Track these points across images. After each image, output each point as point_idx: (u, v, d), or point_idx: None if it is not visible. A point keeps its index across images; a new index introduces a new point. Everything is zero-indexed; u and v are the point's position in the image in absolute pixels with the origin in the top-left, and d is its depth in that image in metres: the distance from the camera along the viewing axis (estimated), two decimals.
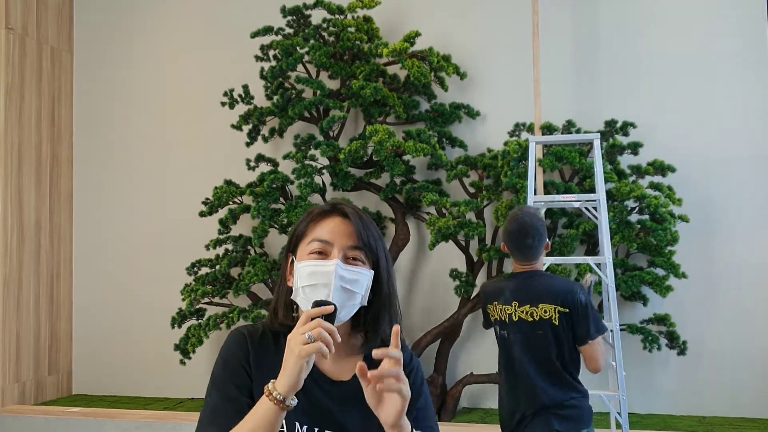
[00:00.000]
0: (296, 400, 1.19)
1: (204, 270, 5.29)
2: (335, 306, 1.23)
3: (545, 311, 2.63)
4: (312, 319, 1.20)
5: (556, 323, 2.61)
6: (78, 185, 6.24)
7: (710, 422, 4.47)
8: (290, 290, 1.37)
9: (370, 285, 1.34)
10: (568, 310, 2.60)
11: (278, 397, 1.17)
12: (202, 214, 5.23)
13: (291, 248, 1.39)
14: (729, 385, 4.62)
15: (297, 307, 1.38)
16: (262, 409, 1.19)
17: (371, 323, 1.38)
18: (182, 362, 5.01)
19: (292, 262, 1.37)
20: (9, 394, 5.44)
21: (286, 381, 1.18)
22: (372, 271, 1.35)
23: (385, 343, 1.37)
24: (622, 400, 3.55)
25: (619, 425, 3.67)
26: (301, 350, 1.16)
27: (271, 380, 1.20)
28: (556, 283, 2.70)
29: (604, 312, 3.97)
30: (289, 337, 1.20)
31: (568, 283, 2.71)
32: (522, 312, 2.67)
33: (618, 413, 3.60)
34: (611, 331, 3.69)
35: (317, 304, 1.23)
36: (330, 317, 1.22)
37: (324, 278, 1.29)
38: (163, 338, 5.44)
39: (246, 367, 1.31)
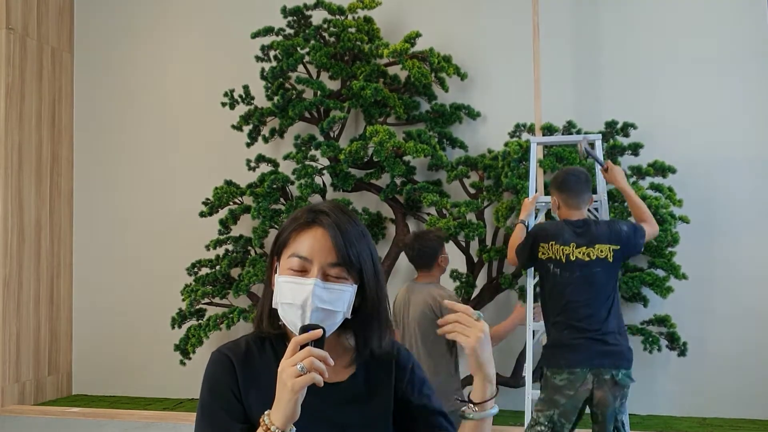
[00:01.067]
0: (294, 429, 1.16)
1: (204, 270, 5.29)
2: (324, 329, 1.20)
3: (601, 251, 3.07)
4: (301, 346, 1.16)
5: (611, 261, 3.07)
6: (78, 185, 6.24)
7: (711, 423, 4.47)
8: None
9: (353, 299, 1.30)
10: (619, 246, 3.07)
11: (276, 431, 1.14)
12: (202, 215, 5.23)
13: (276, 252, 1.36)
14: (730, 386, 4.62)
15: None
16: None
17: (360, 331, 1.35)
18: (182, 362, 5.00)
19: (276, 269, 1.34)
20: (9, 395, 5.44)
21: (282, 414, 1.14)
22: (355, 286, 1.30)
23: (374, 354, 1.37)
24: None
25: None
26: (294, 383, 1.12)
27: (266, 412, 1.16)
28: (606, 225, 3.17)
29: None
30: (280, 368, 1.15)
31: (615, 222, 3.20)
32: (579, 252, 3.08)
33: None
34: None
35: (304, 329, 1.19)
36: (320, 341, 1.18)
37: (299, 298, 1.25)
38: (163, 338, 5.44)
39: (234, 390, 1.27)
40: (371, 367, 1.38)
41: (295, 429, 1.15)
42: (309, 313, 1.24)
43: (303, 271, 1.27)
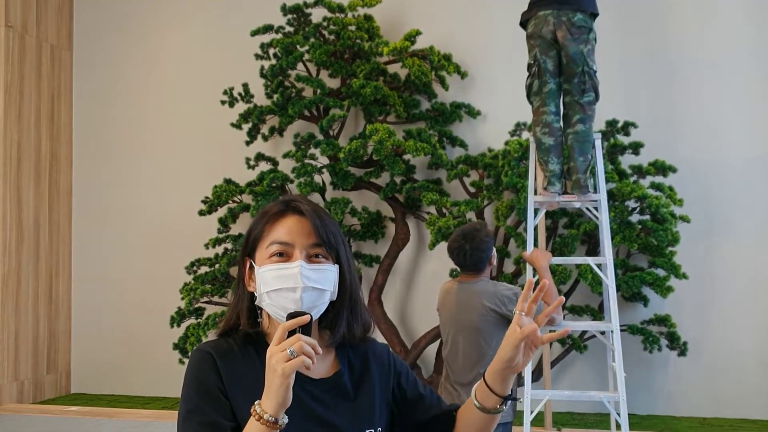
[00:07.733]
0: (287, 418, 1.14)
1: (203, 269, 5.28)
2: (311, 316, 1.19)
3: None
4: (289, 332, 1.15)
5: None
6: (77, 183, 6.23)
7: (711, 423, 4.46)
8: (252, 296, 1.33)
9: (337, 280, 1.32)
10: None
11: (270, 419, 1.12)
12: (201, 213, 5.21)
13: (248, 252, 1.35)
14: (729, 386, 4.61)
15: (261, 311, 1.33)
16: None
17: (333, 317, 1.35)
18: (181, 361, 4.99)
19: (251, 266, 1.33)
20: (7, 393, 5.43)
21: (274, 401, 1.12)
22: (336, 266, 1.32)
23: (353, 348, 1.39)
24: (622, 402, 3.52)
25: (619, 426, 3.65)
26: (284, 368, 1.10)
27: (257, 402, 1.14)
28: None
29: (605, 312, 3.95)
30: (268, 354, 1.14)
31: None
32: None
33: (618, 414, 3.58)
34: (611, 332, 3.66)
35: (291, 316, 1.18)
36: (306, 328, 1.17)
37: (290, 281, 1.25)
38: (162, 337, 5.43)
39: (220, 387, 1.25)
40: (354, 364, 1.39)
41: (287, 418, 1.14)
42: (300, 294, 1.24)
43: (284, 258, 1.28)
